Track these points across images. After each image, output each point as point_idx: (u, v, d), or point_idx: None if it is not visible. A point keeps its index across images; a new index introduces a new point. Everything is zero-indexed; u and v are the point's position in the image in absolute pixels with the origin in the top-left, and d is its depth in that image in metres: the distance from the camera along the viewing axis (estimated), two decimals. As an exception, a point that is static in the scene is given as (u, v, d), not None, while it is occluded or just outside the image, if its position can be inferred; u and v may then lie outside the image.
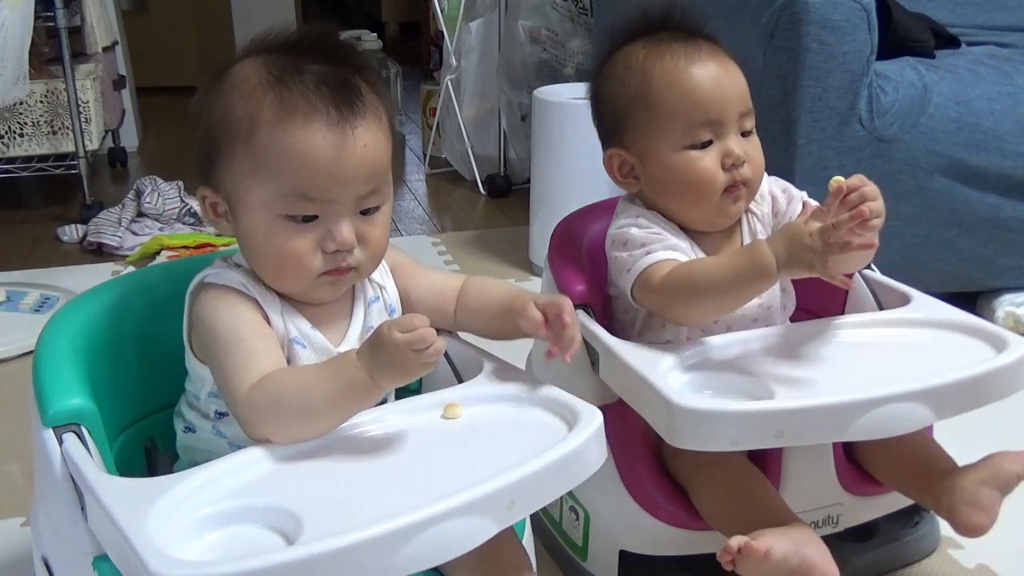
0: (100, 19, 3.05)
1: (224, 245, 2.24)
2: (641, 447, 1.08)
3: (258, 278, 0.92)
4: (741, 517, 0.99)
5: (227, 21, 4.67)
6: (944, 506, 1.01)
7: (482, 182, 2.99)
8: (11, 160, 2.68)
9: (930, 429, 1.13)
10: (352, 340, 0.95)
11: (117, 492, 0.76)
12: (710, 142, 1.06)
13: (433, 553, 0.72)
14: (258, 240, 0.89)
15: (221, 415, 0.93)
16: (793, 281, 1.13)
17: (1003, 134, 1.75)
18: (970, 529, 0.99)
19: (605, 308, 1.14)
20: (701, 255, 1.10)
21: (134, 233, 2.48)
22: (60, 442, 0.83)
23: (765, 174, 1.13)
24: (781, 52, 1.64)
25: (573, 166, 2.11)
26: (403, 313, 1.00)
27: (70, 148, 2.66)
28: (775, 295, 1.11)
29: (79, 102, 2.62)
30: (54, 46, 2.63)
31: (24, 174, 2.70)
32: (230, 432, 0.92)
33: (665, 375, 0.99)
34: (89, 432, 0.85)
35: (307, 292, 0.92)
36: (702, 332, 1.08)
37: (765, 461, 1.06)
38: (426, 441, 0.85)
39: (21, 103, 2.59)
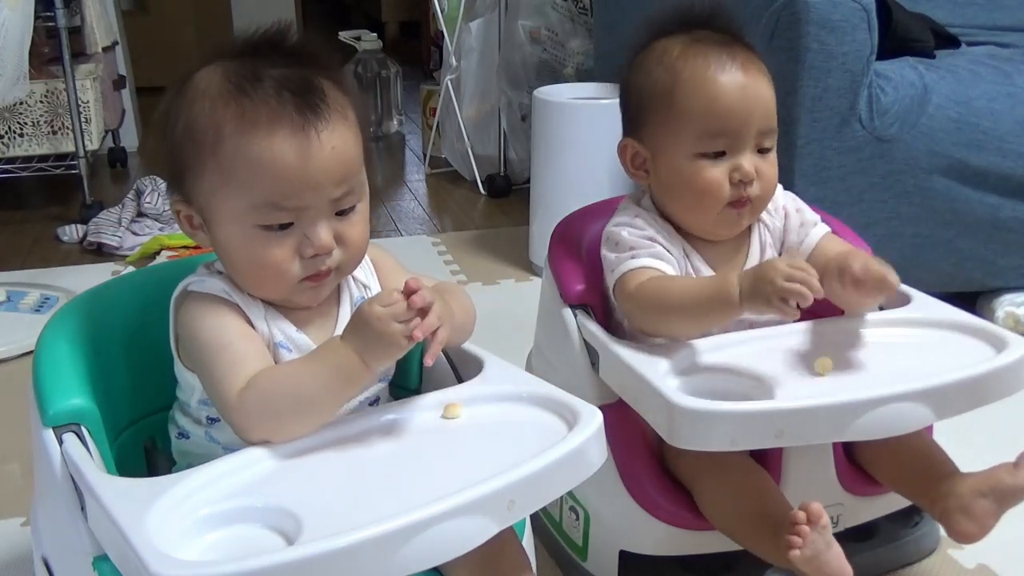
0: (100, 19, 3.05)
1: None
2: (641, 447, 1.08)
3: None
4: (750, 517, 0.99)
5: (227, 21, 4.67)
6: (939, 510, 1.01)
7: (482, 182, 2.99)
8: (11, 160, 2.67)
9: (930, 429, 1.13)
10: None
11: (117, 492, 0.76)
12: (723, 153, 1.05)
13: (433, 553, 0.72)
14: (235, 251, 0.88)
15: (213, 420, 0.92)
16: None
17: (1003, 134, 1.75)
18: (961, 536, 0.99)
19: (605, 308, 1.14)
20: (698, 262, 1.10)
21: (134, 233, 2.48)
22: (60, 442, 0.83)
23: (782, 189, 1.12)
24: (781, 52, 1.64)
25: (573, 166, 2.09)
26: None
27: (70, 148, 2.65)
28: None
29: (79, 102, 2.62)
30: (54, 46, 2.63)
31: (24, 174, 2.70)
32: (223, 438, 0.92)
33: (665, 375, 0.99)
34: (89, 432, 0.85)
35: (289, 298, 0.91)
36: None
37: (765, 461, 1.05)
38: (426, 441, 0.85)
39: (21, 103, 2.58)
